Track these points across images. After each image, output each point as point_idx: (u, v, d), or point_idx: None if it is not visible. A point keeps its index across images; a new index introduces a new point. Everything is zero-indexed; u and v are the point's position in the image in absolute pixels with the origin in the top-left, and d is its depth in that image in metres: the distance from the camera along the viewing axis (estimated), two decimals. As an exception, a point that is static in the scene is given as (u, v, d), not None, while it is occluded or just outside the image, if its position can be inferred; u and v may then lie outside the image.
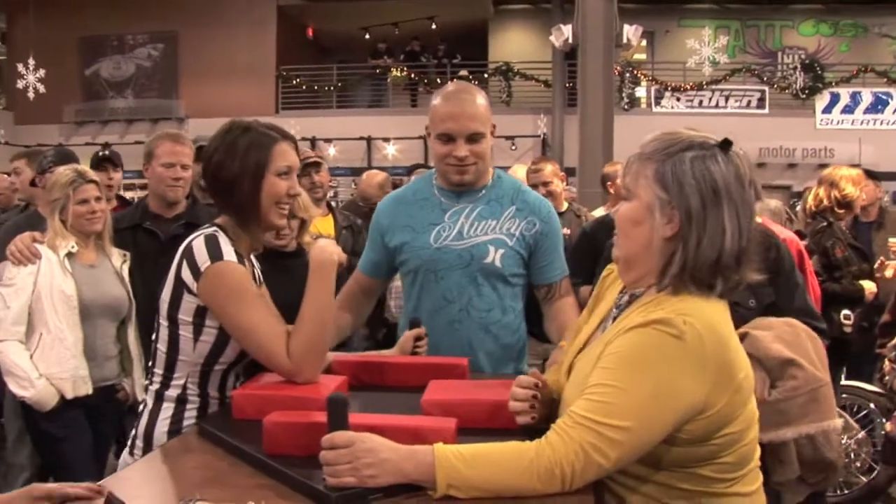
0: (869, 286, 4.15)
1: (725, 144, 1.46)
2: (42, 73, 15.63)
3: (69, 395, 2.99)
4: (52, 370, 2.97)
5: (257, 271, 2.20)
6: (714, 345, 1.37)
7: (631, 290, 1.56)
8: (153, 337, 2.00)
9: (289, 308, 2.13)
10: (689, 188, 1.41)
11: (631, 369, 1.37)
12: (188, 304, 1.89)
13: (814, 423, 2.12)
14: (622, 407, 1.34)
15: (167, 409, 1.94)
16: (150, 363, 2.02)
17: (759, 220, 2.94)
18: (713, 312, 1.43)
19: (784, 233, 2.95)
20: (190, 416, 1.93)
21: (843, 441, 2.37)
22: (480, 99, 2.39)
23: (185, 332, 1.91)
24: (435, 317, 2.41)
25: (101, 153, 4.09)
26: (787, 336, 2.25)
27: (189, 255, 1.88)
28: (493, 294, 2.41)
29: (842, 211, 4.27)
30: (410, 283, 2.52)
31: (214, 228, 1.95)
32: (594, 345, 1.53)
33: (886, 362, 3.16)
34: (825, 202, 4.27)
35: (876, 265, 4.46)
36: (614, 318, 1.56)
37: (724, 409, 1.39)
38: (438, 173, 2.49)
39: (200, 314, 1.89)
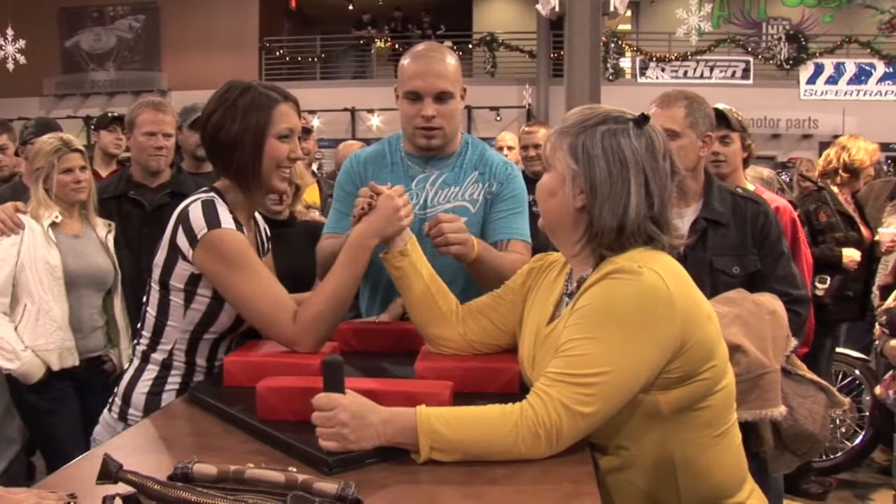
0: (850, 253, 4.08)
1: (642, 119, 1.51)
2: (22, 43, 15.32)
3: (55, 367, 2.96)
4: (38, 342, 2.94)
5: (264, 234, 2.15)
6: (673, 280, 1.41)
7: (578, 276, 1.56)
8: (144, 299, 1.96)
9: (283, 277, 2.11)
10: (595, 160, 1.47)
11: (598, 318, 1.38)
12: (181, 271, 1.84)
13: (753, 410, 2.10)
14: (596, 355, 1.35)
15: (150, 371, 1.91)
16: (139, 325, 1.98)
17: (752, 187, 2.96)
18: (660, 256, 1.48)
19: (777, 201, 2.92)
20: (173, 381, 1.89)
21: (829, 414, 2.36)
22: (450, 59, 2.30)
23: (176, 299, 1.87)
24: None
25: (111, 114, 4.03)
26: (747, 316, 2.20)
27: (185, 220, 1.81)
28: (455, 264, 2.26)
29: (846, 175, 4.22)
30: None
31: (212, 194, 1.89)
32: (557, 330, 1.51)
33: (877, 326, 3.15)
34: (833, 163, 4.24)
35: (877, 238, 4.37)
36: (567, 304, 1.56)
37: (703, 338, 1.42)
38: (405, 137, 2.39)
39: (193, 282, 1.85)
